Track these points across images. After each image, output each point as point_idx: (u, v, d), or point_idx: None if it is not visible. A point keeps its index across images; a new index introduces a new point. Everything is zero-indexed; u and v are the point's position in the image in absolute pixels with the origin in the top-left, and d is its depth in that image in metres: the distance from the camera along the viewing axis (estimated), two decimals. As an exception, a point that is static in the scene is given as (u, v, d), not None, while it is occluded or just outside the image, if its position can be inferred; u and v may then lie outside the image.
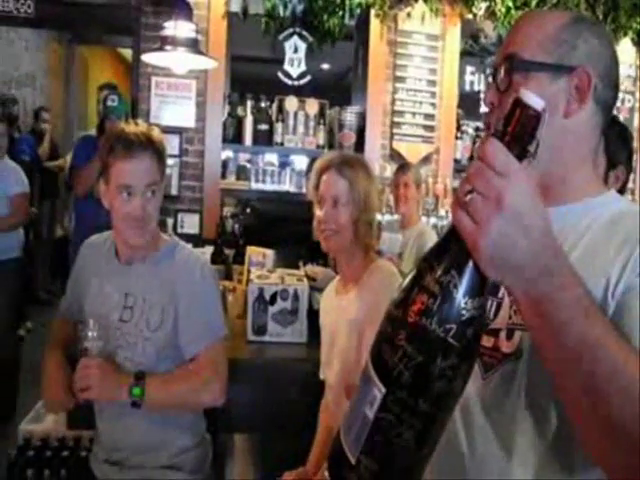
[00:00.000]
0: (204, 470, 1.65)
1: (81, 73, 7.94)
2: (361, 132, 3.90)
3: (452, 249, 0.61)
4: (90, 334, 1.44)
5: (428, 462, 0.66)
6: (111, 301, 1.55)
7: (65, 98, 7.59)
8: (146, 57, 3.20)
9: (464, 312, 0.60)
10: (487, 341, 0.81)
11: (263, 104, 3.91)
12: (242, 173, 3.91)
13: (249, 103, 3.89)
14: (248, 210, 3.91)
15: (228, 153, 3.97)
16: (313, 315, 2.03)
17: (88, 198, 3.27)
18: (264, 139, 3.85)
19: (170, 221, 3.64)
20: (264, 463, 2.19)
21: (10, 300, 3.57)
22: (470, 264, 0.60)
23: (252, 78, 5.24)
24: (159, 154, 1.51)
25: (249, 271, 2.44)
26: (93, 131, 4.00)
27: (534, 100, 0.59)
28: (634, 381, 0.59)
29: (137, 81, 3.87)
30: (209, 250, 2.97)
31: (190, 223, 3.73)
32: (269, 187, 3.91)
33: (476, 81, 4.38)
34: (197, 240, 3.44)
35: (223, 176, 3.88)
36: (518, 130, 0.59)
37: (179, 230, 3.63)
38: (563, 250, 0.63)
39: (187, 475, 1.58)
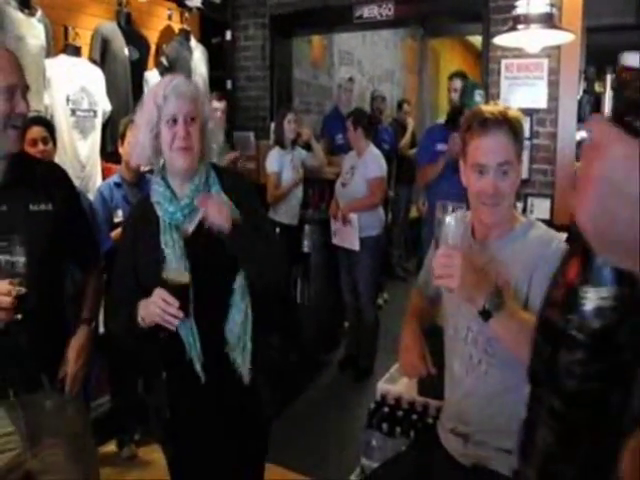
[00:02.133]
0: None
1: (433, 65, 8.33)
2: None
3: (575, 232, 0.54)
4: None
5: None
6: None
7: (418, 89, 8.07)
8: (498, 39, 3.19)
9: (584, 302, 0.54)
10: None
11: (626, 77, 3.51)
12: (599, 154, 3.60)
13: (608, 77, 3.55)
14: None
15: (583, 133, 3.69)
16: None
17: (438, 181, 3.47)
18: (627, 116, 3.47)
19: (519, 205, 3.58)
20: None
21: (370, 272, 4.04)
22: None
23: (611, 49, 4.75)
24: (514, 132, 1.49)
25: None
26: (441, 120, 4.19)
27: (629, 59, 0.42)
28: None
29: (487, 66, 3.89)
30: (562, 237, 2.83)
31: (540, 208, 3.61)
32: (632, 169, 3.50)
33: None
34: (548, 226, 3.28)
35: (577, 158, 3.63)
36: (620, 94, 0.44)
37: (528, 215, 3.55)
38: None
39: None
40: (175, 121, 1.58)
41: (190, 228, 1.64)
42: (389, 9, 4.31)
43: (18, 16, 3.00)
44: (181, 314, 1.49)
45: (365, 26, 4.89)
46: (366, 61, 6.86)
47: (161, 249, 1.59)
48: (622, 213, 0.51)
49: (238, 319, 1.63)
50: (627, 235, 0.51)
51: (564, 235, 2.82)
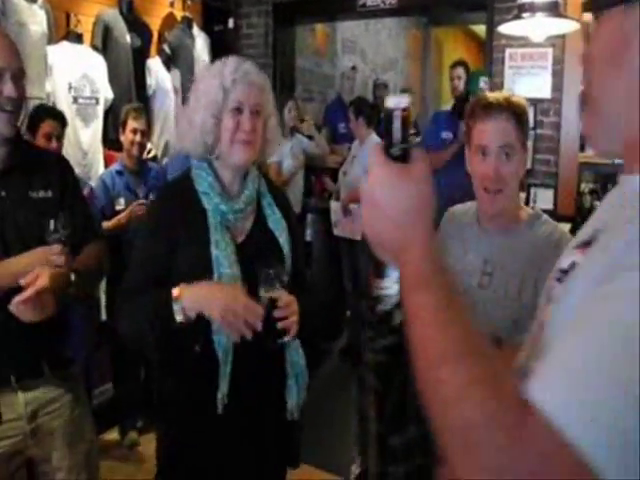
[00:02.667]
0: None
1: (436, 54, 8.28)
2: None
3: None
4: None
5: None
6: (471, 266, 1.57)
7: (421, 78, 8.03)
8: (503, 28, 3.16)
9: (373, 291, 0.72)
10: None
11: (631, 66, 3.49)
12: (603, 145, 3.57)
13: (614, 67, 3.53)
14: (610, 186, 3.57)
15: (587, 124, 3.67)
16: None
17: (443, 169, 3.47)
18: (631, 106, 3.45)
19: (522, 195, 3.58)
20: None
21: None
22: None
23: (618, 39, 4.72)
24: (517, 118, 1.48)
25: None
26: (446, 107, 4.18)
27: (390, 101, 0.69)
28: (435, 361, 0.59)
29: (491, 55, 3.86)
30: (565, 227, 2.82)
31: (543, 198, 3.60)
32: (636, 160, 3.48)
33: None
34: (551, 216, 3.27)
35: (582, 149, 3.61)
36: (383, 129, 0.70)
37: (531, 205, 3.54)
38: (426, 228, 0.67)
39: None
40: (239, 110, 1.44)
41: (242, 235, 1.51)
42: (393, -3, 4.27)
43: (20, 2, 2.98)
44: (259, 327, 1.32)
45: (369, 14, 4.85)
46: (369, 50, 6.82)
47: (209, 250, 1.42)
48: (380, 224, 0.68)
49: (295, 344, 1.52)
50: (386, 241, 0.68)
51: (565, 227, 2.82)
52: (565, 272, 0.73)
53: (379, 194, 0.67)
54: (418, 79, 7.96)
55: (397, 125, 0.69)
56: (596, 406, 0.53)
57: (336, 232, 4.10)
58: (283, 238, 1.51)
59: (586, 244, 0.68)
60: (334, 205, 4.08)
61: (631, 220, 0.59)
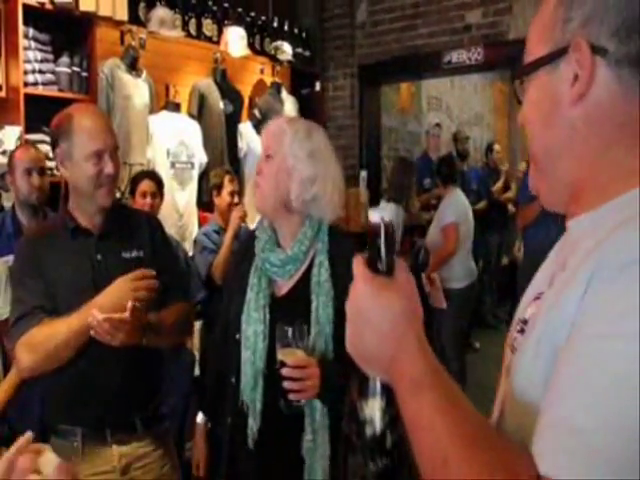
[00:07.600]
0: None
1: (523, 107, 8.15)
2: None
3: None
4: None
5: None
6: None
7: (508, 132, 7.91)
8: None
9: (359, 412, 0.67)
10: None
11: None
12: None
13: None
14: None
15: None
16: None
17: (535, 226, 3.34)
18: None
19: None
20: None
21: (455, 321, 3.88)
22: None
23: None
24: None
25: None
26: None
27: (373, 216, 0.68)
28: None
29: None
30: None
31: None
32: None
33: None
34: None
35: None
36: (369, 244, 0.68)
37: None
38: (416, 335, 0.65)
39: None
40: None
41: (284, 289, 1.52)
42: (478, 53, 4.28)
43: (127, 78, 3.23)
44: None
45: (454, 71, 4.87)
46: (455, 106, 6.82)
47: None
48: (368, 338, 0.66)
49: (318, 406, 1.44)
50: (372, 353, 0.66)
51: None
52: (525, 322, 0.74)
53: (365, 308, 0.66)
54: (505, 133, 7.85)
55: (381, 239, 0.68)
56: (614, 468, 0.52)
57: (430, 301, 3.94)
58: (318, 302, 1.43)
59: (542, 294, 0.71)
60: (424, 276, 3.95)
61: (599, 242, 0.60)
